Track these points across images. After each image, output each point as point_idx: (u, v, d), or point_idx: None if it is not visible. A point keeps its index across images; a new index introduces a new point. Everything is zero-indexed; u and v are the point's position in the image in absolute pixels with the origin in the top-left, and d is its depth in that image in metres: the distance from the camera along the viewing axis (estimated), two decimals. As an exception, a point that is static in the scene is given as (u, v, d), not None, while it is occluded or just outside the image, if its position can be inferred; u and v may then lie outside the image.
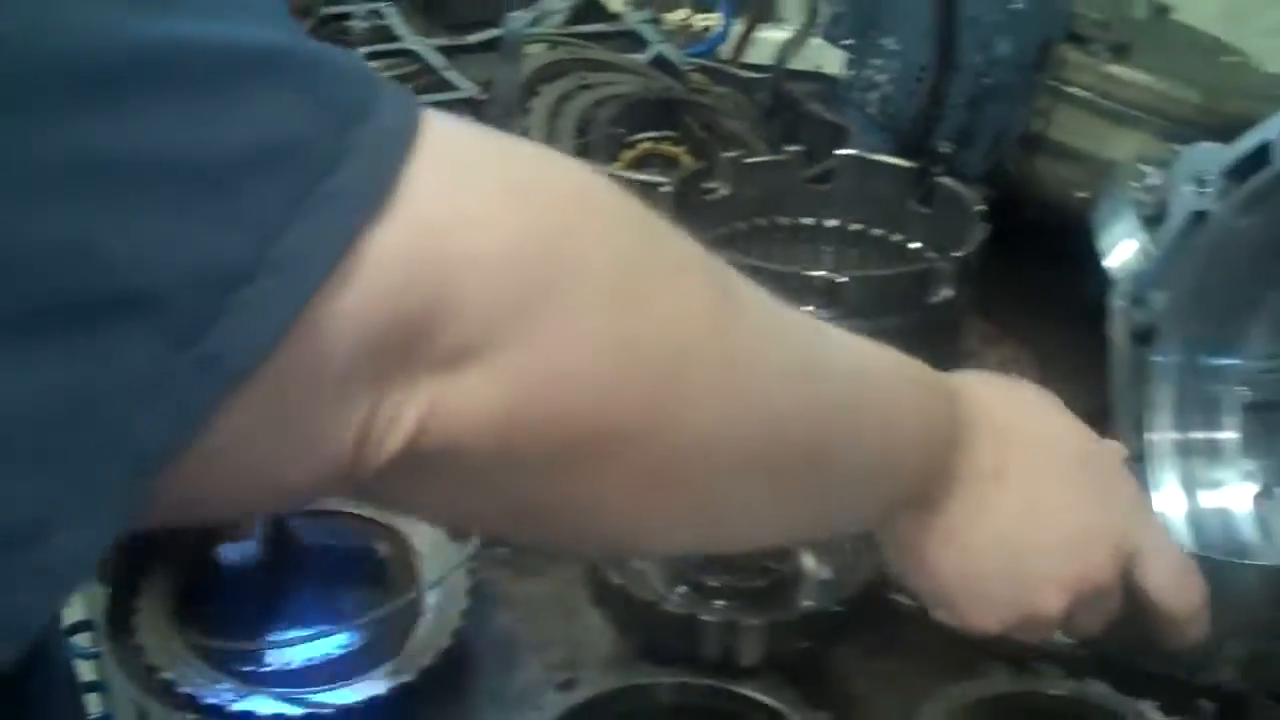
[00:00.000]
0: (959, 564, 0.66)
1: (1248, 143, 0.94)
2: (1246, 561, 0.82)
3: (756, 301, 0.57)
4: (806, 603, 0.96)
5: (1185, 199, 0.98)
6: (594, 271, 0.48)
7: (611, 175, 1.30)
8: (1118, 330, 1.03)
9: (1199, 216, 0.97)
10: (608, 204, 0.51)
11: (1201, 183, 0.97)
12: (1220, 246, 0.98)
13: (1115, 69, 1.31)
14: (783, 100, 1.54)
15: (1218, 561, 0.73)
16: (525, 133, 1.39)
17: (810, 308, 1.08)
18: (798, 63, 1.75)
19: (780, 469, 0.58)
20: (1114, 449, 0.73)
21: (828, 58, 1.61)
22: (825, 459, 0.60)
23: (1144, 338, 1.02)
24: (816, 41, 1.62)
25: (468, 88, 1.53)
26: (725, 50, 1.79)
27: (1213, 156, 0.97)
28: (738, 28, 1.79)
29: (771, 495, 0.59)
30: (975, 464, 0.65)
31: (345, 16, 1.90)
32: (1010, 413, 0.67)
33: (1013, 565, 0.66)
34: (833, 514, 0.66)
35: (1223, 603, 0.69)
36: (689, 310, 0.52)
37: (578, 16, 1.74)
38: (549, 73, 1.48)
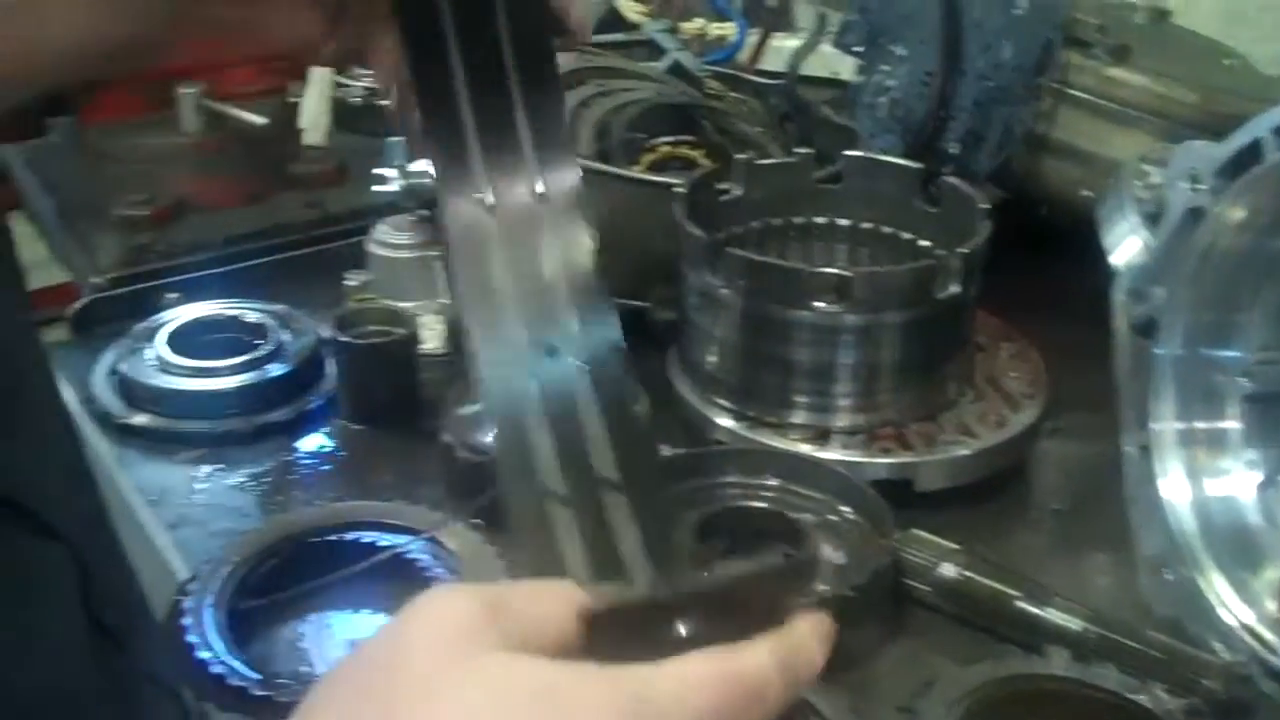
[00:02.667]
0: None
1: (1239, 140, 0.96)
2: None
3: None
4: (821, 587, 0.99)
5: (1181, 196, 1.00)
6: None
7: (630, 176, 1.36)
8: (1120, 323, 1.06)
9: (1194, 213, 1.00)
10: None
11: (1196, 180, 0.99)
12: (1216, 241, 1.00)
13: (1115, 71, 1.34)
14: (796, 105, 1.57)
15: None
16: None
17: (821, 303, 1.12)
18: (813, 69, 1.79)
19: None
20: None
21: (844, 64, 1.64)
22: None
23: (1145, 330, 1.05)
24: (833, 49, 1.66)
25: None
26: (742, 58, 1.82)
27: (1206, 154, 0.99)
28: (753, 36, 1.83)
29: None
30: None
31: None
32: None
33: None
34: None
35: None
36: None
37: (598, 27, 1.77)
38: (568, 81, 1.52)
